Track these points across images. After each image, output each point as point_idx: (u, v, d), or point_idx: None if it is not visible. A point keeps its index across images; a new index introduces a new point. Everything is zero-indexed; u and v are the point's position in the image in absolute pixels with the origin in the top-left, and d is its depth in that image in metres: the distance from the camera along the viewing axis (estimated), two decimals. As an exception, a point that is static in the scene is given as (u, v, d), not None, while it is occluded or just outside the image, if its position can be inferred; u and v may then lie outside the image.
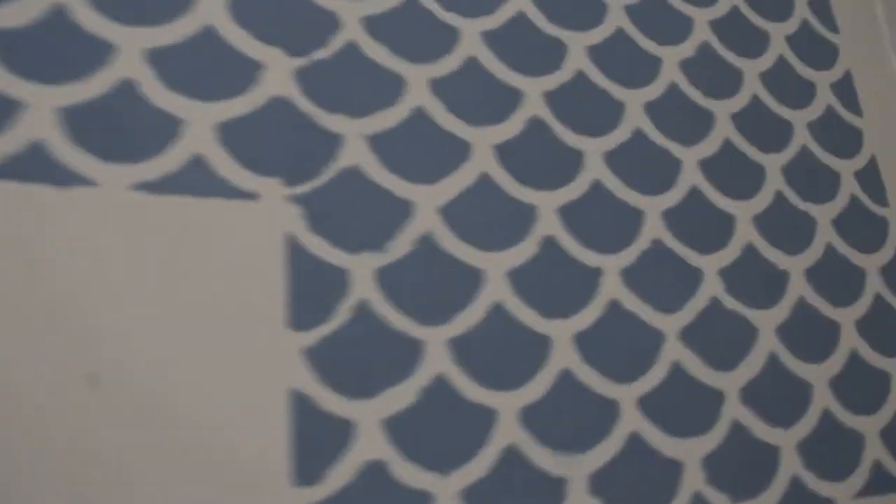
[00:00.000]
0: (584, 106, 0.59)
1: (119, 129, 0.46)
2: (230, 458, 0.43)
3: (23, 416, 0.40)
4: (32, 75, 0.45)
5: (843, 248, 0.66)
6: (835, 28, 0.76)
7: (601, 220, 0.56)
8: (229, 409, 0.44)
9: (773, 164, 0.66)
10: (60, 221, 0.44)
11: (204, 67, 0.49)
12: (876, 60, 0.76)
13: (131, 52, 0.47)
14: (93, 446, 0.40)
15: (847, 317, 0.64)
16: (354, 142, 0.51)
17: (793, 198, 0.65)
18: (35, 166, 0.44)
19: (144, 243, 0.45)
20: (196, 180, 0.47)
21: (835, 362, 0.62)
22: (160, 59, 0.48)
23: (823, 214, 0.66)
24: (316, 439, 0.45)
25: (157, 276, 0.45)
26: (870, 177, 0.71)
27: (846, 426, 0.60)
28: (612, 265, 0.56)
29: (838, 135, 0.70)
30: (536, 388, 0.51)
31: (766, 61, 0.70)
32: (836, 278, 0.64)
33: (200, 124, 0.48)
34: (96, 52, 0.47)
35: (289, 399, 0.45)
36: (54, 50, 0.46)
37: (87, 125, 0.45)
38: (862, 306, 0.65)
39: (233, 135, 0.48)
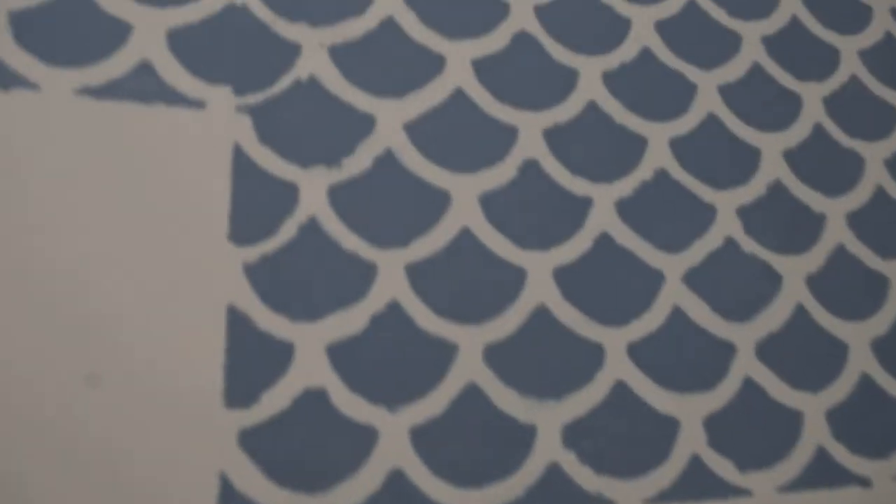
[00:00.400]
0: (580, 19, 0.54)
1: (65, 32, 0.45)
2: (162, 371, 0.41)
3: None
4: (-12, -19, 0.45)
5: (894, 190, 0.57)
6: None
7: (594, 146, 0.51)
8: (165, 321, 0.41)
9: (814, 93, 0.58)
10: (1, 125, 0.43)
11: (160, -26, 0.47)
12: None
13: (86, -43, 0.46)
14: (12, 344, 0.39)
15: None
16: (314, 52, 0.48)
17: (836, 133, 0.57)
18: (-20, 69, 0.43)
19: (86, 150, 0.43)
20: (142, 87, 0.45)
21: (880, 322, 0.54)
22: (115, -35, 0.46)
23: (874, 153, 0.58)
24: (252, 360, 0.42)
25: (98, 183, 0.43)
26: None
27: (889, 394, 0.52)
28: (604, 195, 0.50)
29: (893, 62, 0.61)
30: (505, 323, 0.46)
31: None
32: (885, 225, 0.56)
33: (150, 29, 0.46)
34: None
35: (227, 315, 0.42)
36: (12, -44, 0.45)
37: (32, 27, 0.44)
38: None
39: (183, 41, 0.46)
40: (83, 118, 0.44)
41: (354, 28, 0.49)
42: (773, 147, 0.55)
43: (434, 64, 0.50)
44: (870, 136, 0.58)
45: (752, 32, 0.58)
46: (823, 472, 0.49)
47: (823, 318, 0.52)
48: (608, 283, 0.48)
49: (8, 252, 0.40)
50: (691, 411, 0.47)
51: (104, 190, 0.43)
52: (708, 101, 0.55)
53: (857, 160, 0.57)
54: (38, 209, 0.42)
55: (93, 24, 0.45)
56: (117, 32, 0.45)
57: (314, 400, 0.42)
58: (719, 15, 0.57)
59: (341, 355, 0.43)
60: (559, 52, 0.52)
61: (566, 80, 0.52)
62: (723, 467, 0.47)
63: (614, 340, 0.47)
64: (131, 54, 0.45)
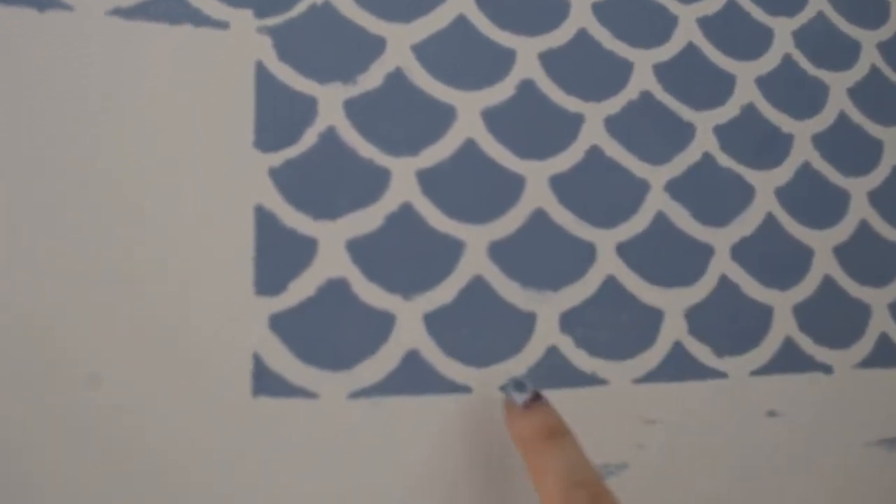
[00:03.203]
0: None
1: (98, -43, 0.52)
2: (197, 266, 0.48)
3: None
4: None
5: (858, 117, 0.67)
6: None
7: (585, 69, 0.59)
8: (198, 220, 0.49)
9: (783, 27, 0.67)
10: (39, 43, 0.50)
11: None
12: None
13: None
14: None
15: (859, 187, 0.65)
16: (328, -22, 0.55)
17: (803, 63, 0.67)
18: (18, -11, 0.50)
19: (119, 67, 0.50)
20: (169, 8, 0.52)
21: (842, 231, 0.63)
22: None
23: (837, 81, 0.67)
24: (279, 254, 0.50)
25: (128, 97, 0.50)
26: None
27: (850, 295, 0.62)
28: (594, 112, 0.59)
29: None
30: (507, 224, 0.54)
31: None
32: (849, 147, 0.65)
33: (175, -45, 0.53)
34: None
35: (255, 214, 0.50)
36: None
37: (67, -47, 0.51)
38: (876, 178, 0.66)
39: (207, -34, 0.53)
40: (114, 37, 0.51)
41: (363, -43, 0.57)
42: (747, 75, 0.64)
43: (437, -9, 0.58)
44: (837, 66, 0.68)
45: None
46: (790, 359, 0.58)
47: (791, 225, 0.62)
48: (598, 190, 0.57)
49: (54, 167, 0.47)
50: (674, 303, 0.56)
51: (138, 103, 0.50)
52: (687, 31, 0.63)
53: (823, 89, 0.67)
54: (74, 125, 0.49)
55: (123, -51, 0.52)
56: (145, -42, 0.53)
57: (336, 288, 0.50)
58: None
59: (360, 250, 0.51)
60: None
61: (558, 9, 0.60)
62: (702, 352, 0.56)
63: (604, 240, 0.56)
64: (159, -22, 0.52)
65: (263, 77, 0.53)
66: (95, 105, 0.49)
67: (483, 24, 0.58)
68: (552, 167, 0.57)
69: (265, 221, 0.50)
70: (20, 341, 0.45)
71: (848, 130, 0.67)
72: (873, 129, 0.67)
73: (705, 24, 0.64)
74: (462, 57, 0.57)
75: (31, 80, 0.49)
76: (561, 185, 0.56)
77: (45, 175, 0.48)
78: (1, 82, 0.48)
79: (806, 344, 0.59)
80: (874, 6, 0.72)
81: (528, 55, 0.58)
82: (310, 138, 0.52)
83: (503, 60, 0.58)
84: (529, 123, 0.57)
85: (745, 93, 0.64)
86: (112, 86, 0.50)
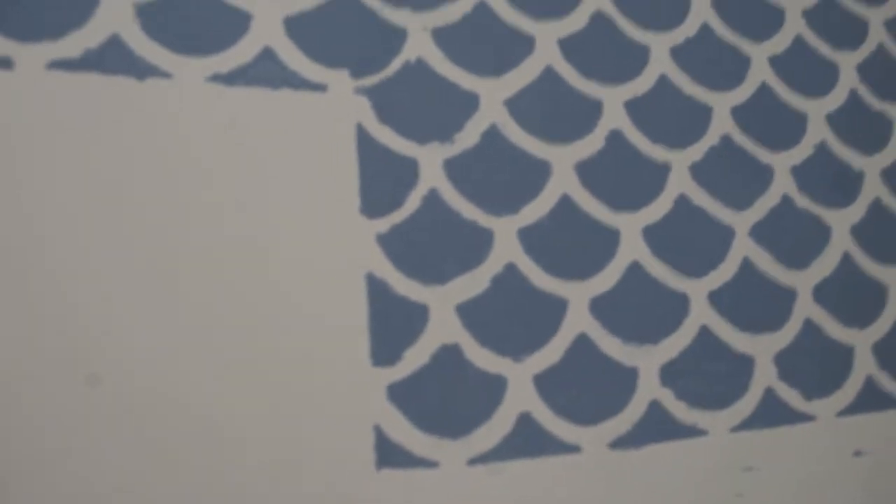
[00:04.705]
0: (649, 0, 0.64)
1: (192, 23, 0.53)
2: (314, 339, 0.50)
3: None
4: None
5: (923, 149, 0.71)
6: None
7: (668, 115, 0.62)
8: (312, 293, 0.51)
9: (848, 61, 0.70)
10: (139, 111, 0.50)
11: (268, -39, 0.55)
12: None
13: (198, -53, 0.54)
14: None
15: (925, 220, 0.69)
16: (419, 35, 0.57)
17: (868, 97, 0.70)
18: (115, 59, 0.51)
19: (222, 134, 0.51)
20: (267, 72, 0.53)
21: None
22: (226, -46, 0.54)
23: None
24: (392, 322, 0.52)
25: (228, 166, 0.51)
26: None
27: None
28: (680, 160, 0.61)
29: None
30: (606, 278, 0.57)
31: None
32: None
33: (270, 18, 0.54)
34: (162, -52, 0.53)
35: (366, 283, 0.52)
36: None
37: (160, 19, 0.52)
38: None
39: (301, 28, 0.54)
40: (214, 103, 0.52)
41: (453, 11, 0.58)
42: (818, 112, 0.68)
43: (525, 43, 0.60)
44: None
45: (795, 4, 0.70)
46: (873, 398, 0.63)
47: (867, 264, 0.66)
48: (689, 240, 0.60)
49: (175, 233, 0.49)
50: (764, 349, 0.60)
51: (241, 171, 0.51)
52: (760, 70, 0.66)
53: (887, 123, 0.70)
54: (184, 188, 0.50)
55: (217, 13, 0.53)
56: (238, 20, 0.54)
57: (450, 354, 0.53)
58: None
59: (470, 314, 0.54)
60: (633, 32, 0.63)
61: (639, 57, 0.63)
62: (792, 397, 0.60)
63: (697, 290, 0.59)
64: (254, 42, 0.53)
65: (364, 140, 0.54)
66: (196, 172, 0.51)
67: (570, 75, 0.60)
68: (644, 218, 0.59)
69: (377, 290, 0.52)
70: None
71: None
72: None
73: (776, 63, 0.68)
74: (551, 109, 0.59)
75: (133, 147, 0.50)
76: (653, 236, 0.59)
77: (150, 243, 0.49)
78: (104, 149, 0.49)
79: (887, 381, 0.63)
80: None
81: (614, 105, 0.61)
82: (414, 202, 0.54)
83: (591, 111, 0.60)
84: (620, 175, 0.60)
85: (818, 131, 0.67)
86: (212, 153, 0.51)
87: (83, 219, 0.48)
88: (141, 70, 0.51)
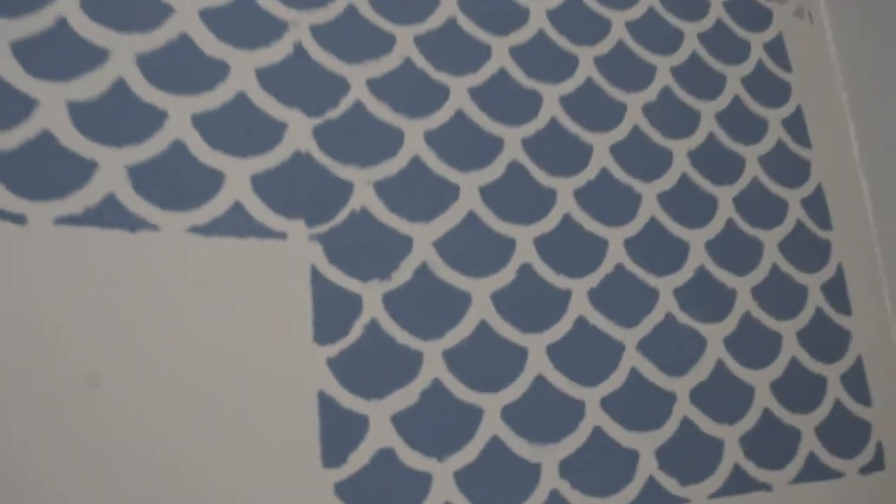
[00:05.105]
0: (557, 150, 0.79)
1: (175, 182, 0.65)
2: (272, 445, 0.62)
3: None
4: (102, 139, 0.64)
5: (787, 268, 0.86)
6: (788, 68, 0.96)
7: (571, 249, 0.76)
8: (267, 409, 0.63)
9: (726, 194, 0.85)
10: (131, 259, 0.63)
11: (239, 129, 0.68)
12: (826, 97, 0.97)
13: (182, 117, 0.66)
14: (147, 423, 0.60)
15: (789, 329, 0.84)
16: (363, 188, 0.70)
17: (742, 224, 0.85)
18: (111, 214, 0.63)
19: (201, 277, 0.64)
20: (236, 224, 0.66)
21: (776, 368, 0.82)
22: (205, 123, 0.67)
23: (770, 238, 0.86)
24: (339, 431, 0.64)
25: (207, 304, 0.63)
26: (816, 203, 0.91)
27: (783, 422, 0.80)
28: (579, 287, 0.75)
29: (788, 166, 0.90)
30: (516, 389, 0.70)
31: (722, 102, 0.89)
32: (782, 295, 0.84)
33: (240, 176, 0.67)
34: (151, 119, 0.66)
35: (318, 399, 0.64)
36: (118, 119, 0.65)
37: (150, 180, 0.64)
38: (803, 319, 0.85)
39: (265, 184, 0.67)
40: (194, 252, 0.64)
41: (392, 166, 0.72)
42: (699, 240, 0.82)
43: (451, 192, 0.73)
44: (769, 224, 0.87)
45: (681, 148, 0.85)
46: (739, 482, 0.76)
47: (737, 369, 0.80)
48: (586, 355, 0.74)
49: (151, 361, 0.61)
50: (647, 444, 0.73)
51: (215, 309, 0.64)
52: (650, 207, 0.81)
53: (758, 246, 0.85)
54: (161, 327, 0.62)
55: (194, 174, 0.65)
56: (213, 180, 0.66)
57: (386, 457, 0.65)
58: (656, 136, 0.84)
59: (403, 422, 0.66)
60: (543, 178, 0.77)
61: (547, 199, 0.77)
62: (670, 484, 0.73)
63: (592, 397, 0.73)
64: (226, 198, 0.66)
65: (317, 279, 0.67)
66: (182, 310, 0.63)
67: (489, 218, 0.74)
68: (549, 338, 0.73)
69: (326, 404, 0.65)
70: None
71: (779, 280, 0.85)
72: (799, 276, 0.87)
73: (664, 199, 0.82)
74: (473, 248, 0.73)
75: (128, 289, 0.62)
76: (555, 353, 0.73)
77: (135, 387, 0.61)
78: (102, 292, 0.61)
79: (752, 468, 0.77)
80: (799, 169, 0.91)
81: (525, 243, 0.75)
82: (357, 330, 0.67)
83: (506, 249, 0.74)
84: (528, 302, 0.73)
85: (698, 256, 0.82)
86: (190, 293, 0.63)
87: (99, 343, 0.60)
88: (132, 223, 0.63)
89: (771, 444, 0.79)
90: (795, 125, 0.94)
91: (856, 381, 0.86)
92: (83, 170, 0.63)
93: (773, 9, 0.98)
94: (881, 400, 0.87)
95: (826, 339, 0.86)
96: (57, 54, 0.64)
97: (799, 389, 0.83)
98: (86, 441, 0.58)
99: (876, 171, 0.96)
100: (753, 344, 0.82)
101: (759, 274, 0.85)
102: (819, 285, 0.88)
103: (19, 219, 0.60)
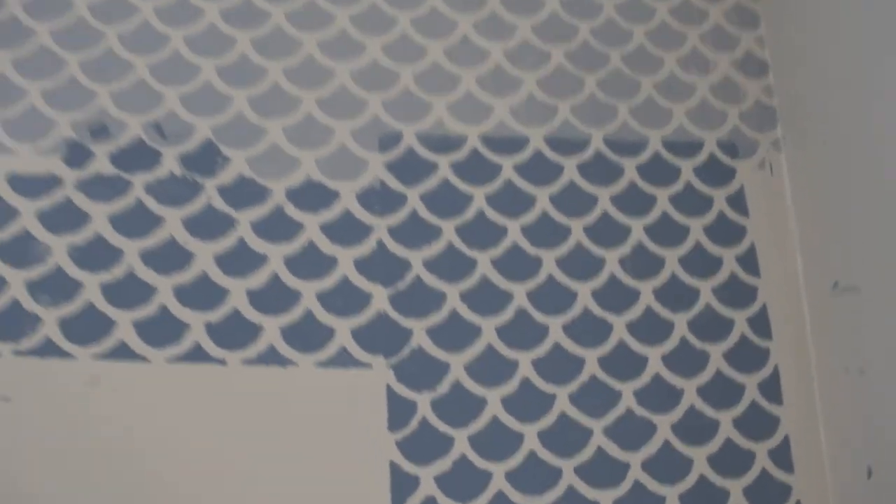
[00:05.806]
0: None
1: (307, 335, 1.12)
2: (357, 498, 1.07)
3: None
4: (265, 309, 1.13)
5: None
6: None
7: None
8: (355, 474, 1.08)
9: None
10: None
11: (341, 299, 1.14)
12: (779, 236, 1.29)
13: (309, 294, 1.14)
14: None
15: None
16: (419, 334, 1.14)
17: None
18: (268, 356, 1.11)
19: (325, 396, 1.10)
20: (344, 359, 1.12)
21: None
22: (323, 300, 1.14)
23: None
24: (401, 486, 1.08)
25: (329, 412, 1.10)
26: (759, 319, 1.24)
27: None
28: None
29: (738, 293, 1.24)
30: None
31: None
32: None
33: (343, 330, 1.13)
34: (290, 297, 1.14)
35: (389, 466, 1.09)
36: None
37: (296, 335, 1.12)
38: None
39: (359, 334, 1.13)
40: (319, 379, 1.11)
41: (437, 317, 1.15)
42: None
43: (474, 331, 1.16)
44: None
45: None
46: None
47: None
48: None
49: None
50: None
51: (333, 415, 1.10)
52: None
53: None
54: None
55: (317, 331, 1.12)
56: (328, 333, 1.13)
57: (430, 502, 1.08)
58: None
59: (441, 481, 1.09)
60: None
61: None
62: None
63: None
64: (336, 344, 1.12)
65: (390, 392, 1.12)
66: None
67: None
68: None
69: (394, 469, 1.09)
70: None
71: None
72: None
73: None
74: (490, 369, 1.15)
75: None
76: None
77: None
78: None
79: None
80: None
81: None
82: (414, 423, 1.11)
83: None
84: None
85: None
86: (317, 411, 1.10)
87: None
88: (283, 361, 1.11)
89: None
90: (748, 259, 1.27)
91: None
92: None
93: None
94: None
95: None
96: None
97: None
98: None
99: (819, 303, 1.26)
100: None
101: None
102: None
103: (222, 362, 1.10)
